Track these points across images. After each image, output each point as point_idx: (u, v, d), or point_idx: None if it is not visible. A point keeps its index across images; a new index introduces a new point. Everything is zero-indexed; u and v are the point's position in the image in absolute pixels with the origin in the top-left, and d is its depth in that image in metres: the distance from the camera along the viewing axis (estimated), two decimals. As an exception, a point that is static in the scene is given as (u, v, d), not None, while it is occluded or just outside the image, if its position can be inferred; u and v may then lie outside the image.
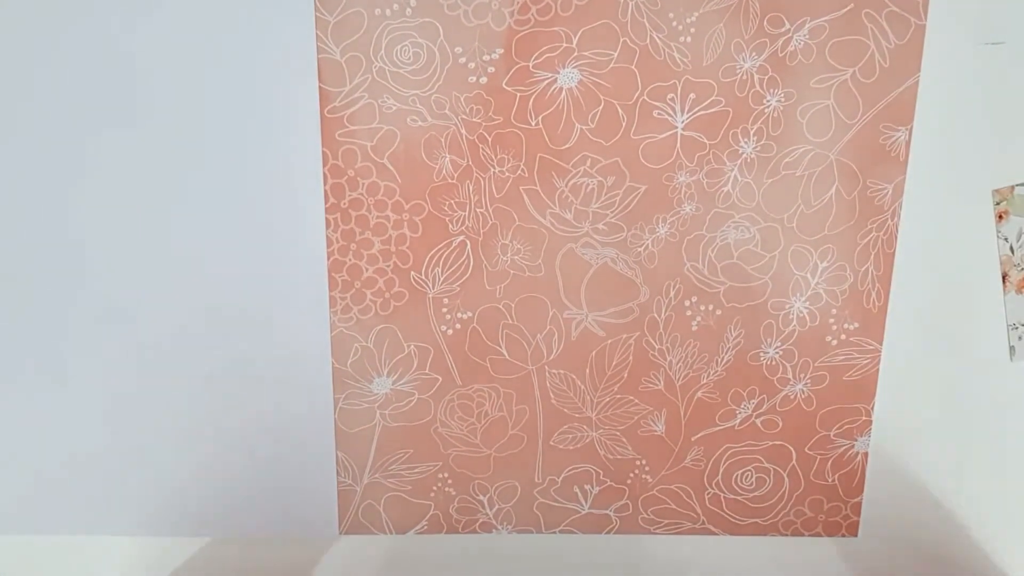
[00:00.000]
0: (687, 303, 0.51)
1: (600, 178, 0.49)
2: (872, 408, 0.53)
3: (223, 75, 0.47)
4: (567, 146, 0.49)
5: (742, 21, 0.47)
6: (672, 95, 0.48)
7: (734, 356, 0.52)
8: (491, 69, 0.47)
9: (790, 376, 0.53)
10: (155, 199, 0.49)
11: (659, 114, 0.48)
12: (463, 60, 0.47)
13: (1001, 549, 0.55)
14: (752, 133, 0.49)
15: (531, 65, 0.47)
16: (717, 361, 0.52)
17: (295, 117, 0.48)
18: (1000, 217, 0.50)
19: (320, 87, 0.47)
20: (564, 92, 0.48)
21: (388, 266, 0.50)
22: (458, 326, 0.51)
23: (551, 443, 0.54)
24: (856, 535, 0.56)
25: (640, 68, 0.48)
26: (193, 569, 0.55)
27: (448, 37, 0.47)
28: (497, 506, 0.55)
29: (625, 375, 0.53)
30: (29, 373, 0.51)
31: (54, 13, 0.46)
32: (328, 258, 0.50)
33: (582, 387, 0.53)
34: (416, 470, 0.54)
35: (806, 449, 0.54)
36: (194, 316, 0.51)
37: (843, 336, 0.52)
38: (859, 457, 0.54)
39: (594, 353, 0.52)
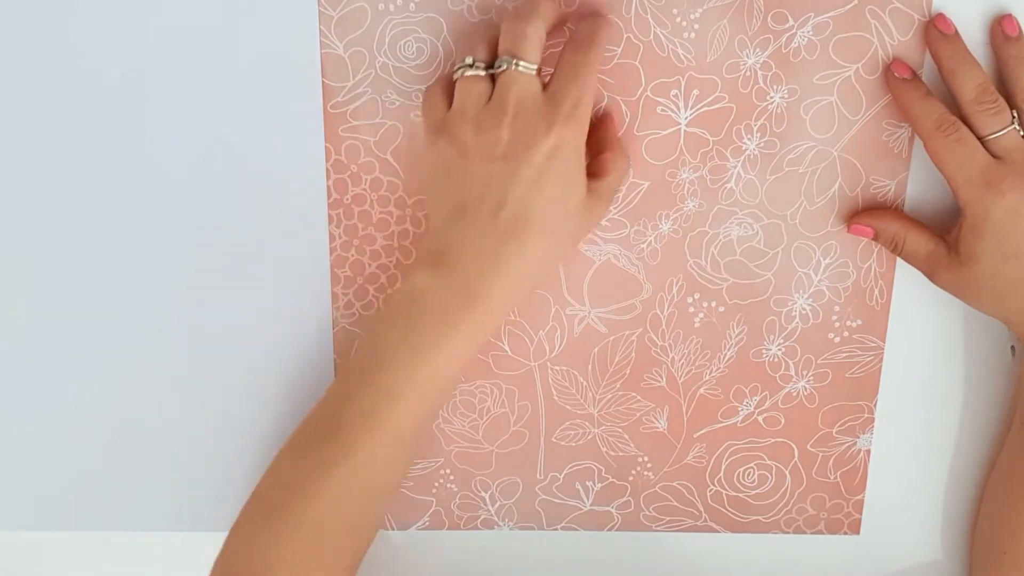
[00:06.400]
0: (690, 300, 0.51)
1: (603, 174, 0.49)
2: (875, 405, 0.53)
3: (225, 71, 0.47)
4: (570, 142, 0.49)
5: (746, 17, 0.47)
6: (675, 91, 0.48)
7: (736, 353, 0.52)
8: (494, 65, 0.47)
9: (792, 373, 0.53)
10: (154, 196, 0.49)
11: (662, 110, 0.48)
12: (466, 55, 0.47)
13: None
14: (755, 129, 0.49)
15: (534, 61, 0.47)
16: (719, 358, 0.52)
17: (298, 113, 0.48)
18: (1003, 214, 0.50)
19: (323, 82, 0.47)
20: (567, 88, 0.48)
21: (391, 262, 0.50)
22: (460, 322, 0.51)
23: (553, 440, 0.54)
24: (858, 533, 0.56)
25: (644, 64, 0.48)
26: (192, 566, 0.55)
27: (451, 32, 0.47)
28: (499, 503, 0.55)
29: (627, 372, 0.52)
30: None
31: (50, 5, 0.46)
32: (331, 254, 0.50)
33: (584, 384, 0.53)
34: (418, 466, 0.54)
35: (808, 446, 0.54)
36: (195, 314, 0.51)
37: (846, 333, 0.52)
38: (861, 454, 0.54)
39: (596, 350, 0.52)
